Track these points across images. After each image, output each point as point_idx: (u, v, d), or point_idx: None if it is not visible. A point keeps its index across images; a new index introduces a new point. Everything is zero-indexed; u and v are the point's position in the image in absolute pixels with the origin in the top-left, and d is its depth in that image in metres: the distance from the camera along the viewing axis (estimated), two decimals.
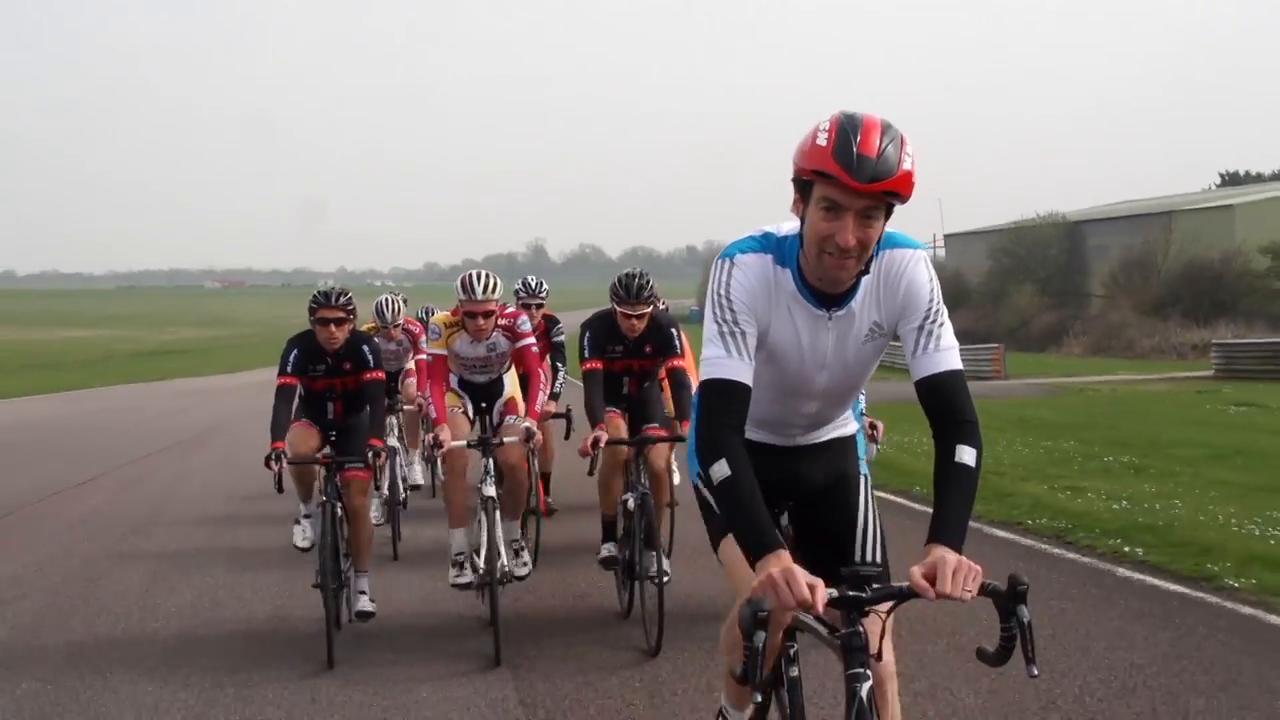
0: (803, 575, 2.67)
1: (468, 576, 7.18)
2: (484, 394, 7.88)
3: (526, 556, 7.36)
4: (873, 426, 7.26)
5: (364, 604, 7.03)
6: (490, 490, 6.88)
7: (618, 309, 7.20)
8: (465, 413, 7.69)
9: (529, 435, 7.12)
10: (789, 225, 3.11)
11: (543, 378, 7.64)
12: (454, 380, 7.69)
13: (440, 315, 7.58)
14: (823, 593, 2.66)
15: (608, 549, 7.30)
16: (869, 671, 2.76)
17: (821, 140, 2.85)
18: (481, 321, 7.16)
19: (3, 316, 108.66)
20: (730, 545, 3.17)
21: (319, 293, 7.10)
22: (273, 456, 6.64)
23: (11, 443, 21.14)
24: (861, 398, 7.22)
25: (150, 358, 57.25)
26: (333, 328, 6.93)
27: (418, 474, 11.40)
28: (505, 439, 7.10)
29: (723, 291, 3.07)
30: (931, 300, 3.09)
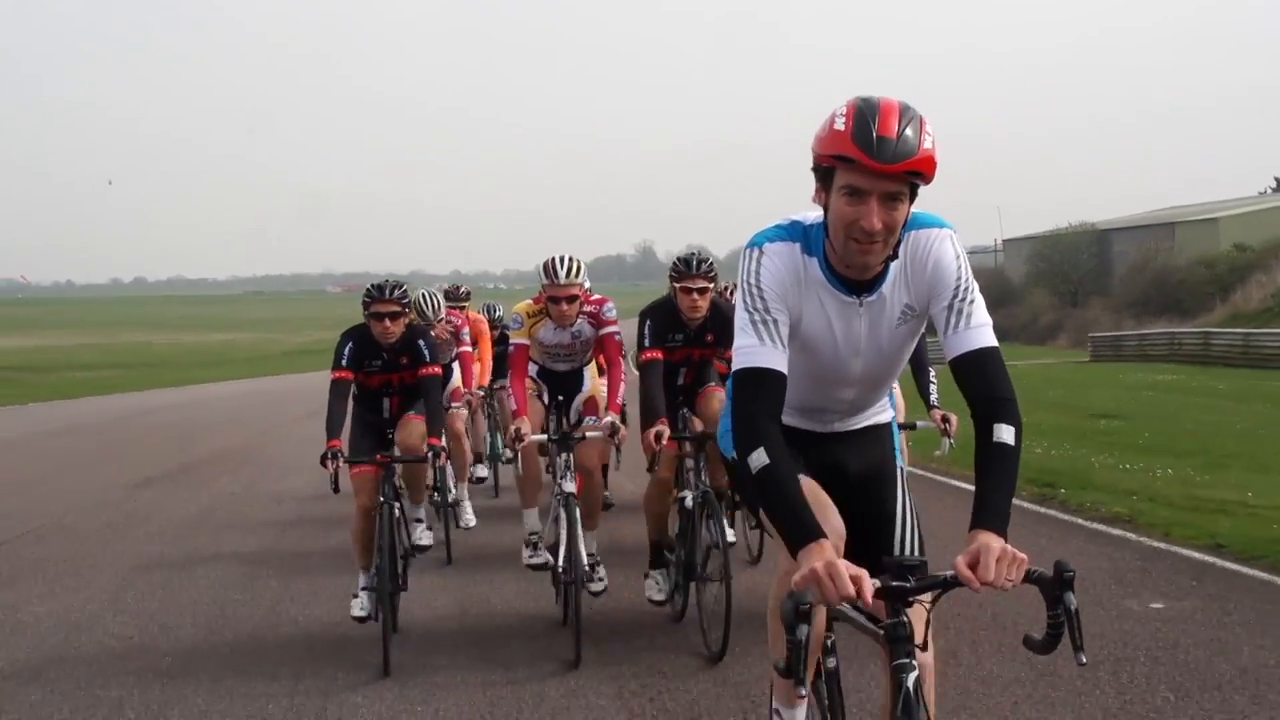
0: (847, 567, 2.58)
1: (542, 556, 7.00)
2: (564, 384, 7.69)
3: (603, 572, 7.00)
4: (945, 420, 6.98)
5: (422, 535, 7.13)
6: (570, 486, 6.60)
7: (677, 286, 6.81)
8: (540, 397, 7.49)
9: (614, 431, 6.73)
10: (815, 214, 3.05)
11: (625, 369, 7.25)
12: (533, 369, 7.46)
13: (522, 304, 7.33)
14: (869, 584, 2.58)
15: (656, 584, 6.90)
16: (915, 662, 2.70)
17: (839, 125, 2.79)
18: (565, 306, 6.93)
19: (149, 321, 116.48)
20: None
21: (373, 286, 6.81)
22: (329, 455, 6.37)
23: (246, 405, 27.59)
24: (933, 387, 7.05)
25: (298, 355, 60.10)
26: (387, 322, 6.68)
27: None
28: (588, 433, 6.84)
29: (752, 280, 3.02)
30: (960, 278, 3.01)
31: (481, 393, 10.86)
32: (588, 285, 7.20)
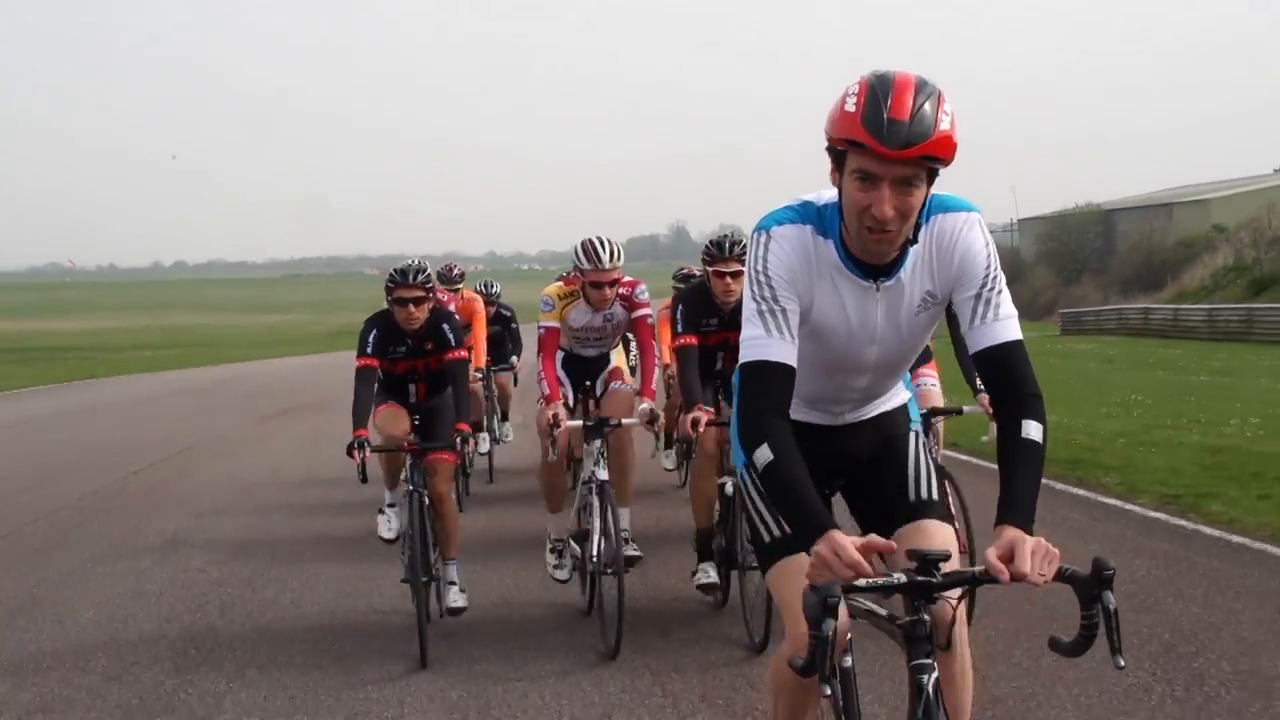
0: (847, 540, 2.52)
1: (565, 571, 6.80)
2: (591, 370, 7.50)
3: (635, 547, 6.90)
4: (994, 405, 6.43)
5: (454, 598, 6.55)
6: (603, 474, 6.39)
7: (710, 271, 6.65)
8: (565, 402, 7.10)
9: (652, 418, 6.60)
10: (829, 194, 2.90)
11: (657, 352, 7.08)
12: (559, 359, 7.22)
13: (553, 286, 7.13)
14: (878, 542, 2.55)
15: (705, 573, 6.58)
16: (935, 663, 2.60)
17: (850, 106, 2.66)
18: (607, 291, 6.76)
19: (196, 303, 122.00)
20: (782, 574, 3.06)
21: (395, 271, 6.61)
22: (355, 445, 6.21)
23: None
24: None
25: (341, 336, 58.38)
26: (411, 308, 6.51)
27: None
28: (624, 421, 6.63)
29: (760, 267, 2.87)
30: (989, 267, 2.86)
31: (479, 374, 10.67)
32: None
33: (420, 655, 5.93)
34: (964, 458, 11.14)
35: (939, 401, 6.86)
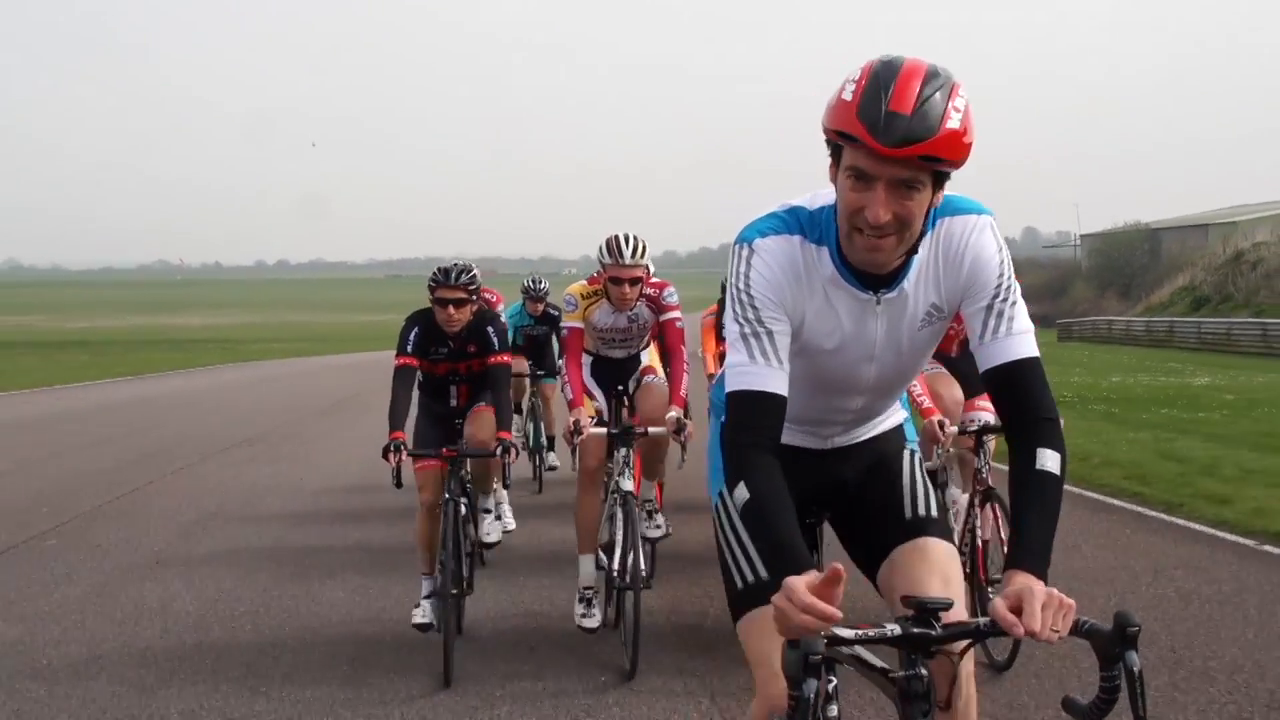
0: (802, 582, 2.14)
1: (595, 619, 6.37)
2: (620, 372, 7.19)
3: (660, 519, 6.73)
4: None
5: (491, 529, 6.57)
6: (628, 484, 6.16)
7: None
8: (599, 414, 6.89)
9: (680, 426, 6.28)
10: (825, 195, 2.58)
11: (686, 359, 6.75)
12: (587, 363, 7.00)
13: (576, 285, 6.86)
14: (831, 574, 2.12)
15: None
16: None
17: (848, 94, 2.34)
18: (628, 289, 6.49)
19: (303, 302, 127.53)
20: (753, 624, 2.77)
21: (438, 270, 6.39)
22: (391, 448, 5.99)
23: None
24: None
25: None
26: (451, 309, 6.29)
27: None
28: (651, 430, 6.37)
29: (742, 285, 2.56)
30: (1001, 275, 2.56)
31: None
32: (652, 269, 6.76)
33: (445, 673, 5.67)
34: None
35: (951, 378, 6.53)
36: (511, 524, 9.23)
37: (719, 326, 6.37)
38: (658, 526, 6.80)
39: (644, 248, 6.42)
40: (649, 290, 6.68)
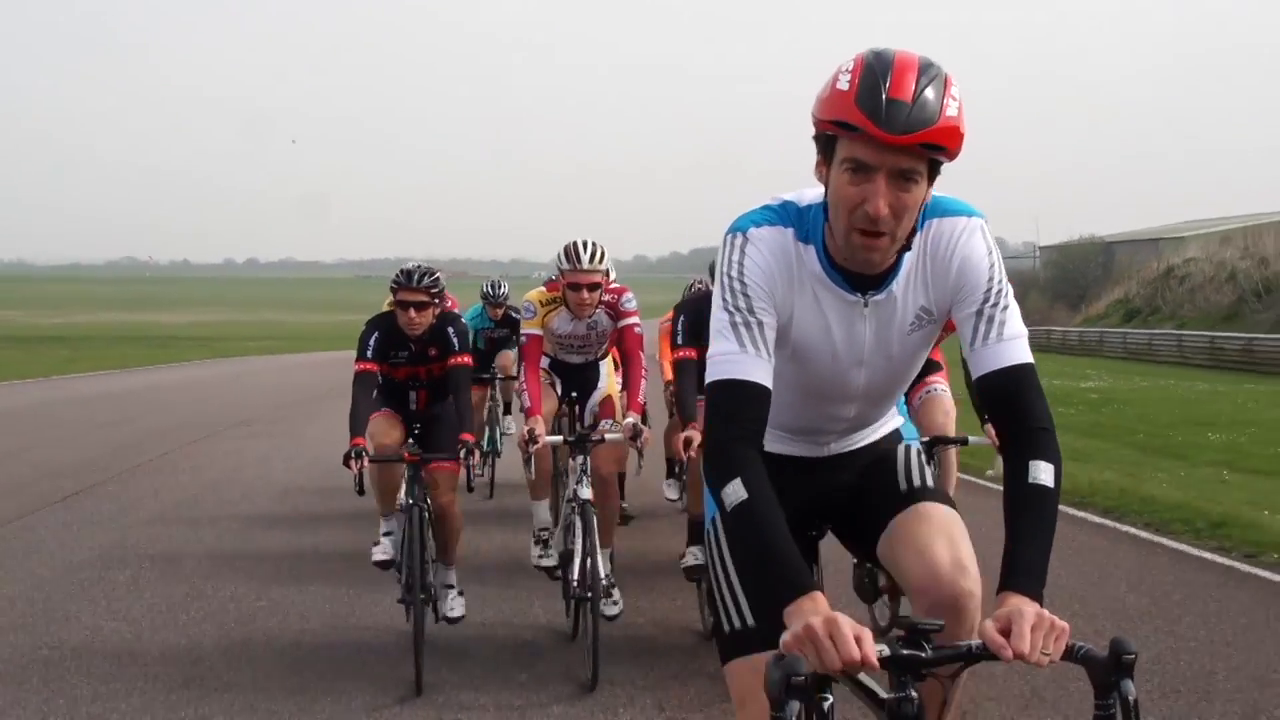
0: (849, 625, 2.08)
1: (552, 558, 6.50)
2: (577, 379, 7.12)
3: (618, 595, 6.33)
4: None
5: (453, 605, 6.31)
6: (586, 492, 6.05)
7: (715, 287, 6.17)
8: (553, 385, 6.96)
9: (636, 433, 6.20)
10: (811, 193, 2.56)
11: (644, 364, 6.70)
12: (544, 361, 6.90)
13: (535, 292, 6.76)
14: (872, 645, 2.09)
15: (694, 554, 6.29)
16: None
17: (843, 84, 2.31)
18: (586, 294, 6.42)
19: (274, 301, 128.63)
20: (743, 670, 2.61)
21: (401, 272, 6.29)
22: (353, 454, 5.89)
23: None
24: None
25: None
26: (412, 312, 6.18)
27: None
28: (608, 435, 6.30)
29: (734, 273, 2.52)
30: (992, 279, 2.51)
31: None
32: (613, 276, 6.70)
33: (415, 680, 5.60)
34: (964, 477, 10.31)
35: (949, 408, 6.41)
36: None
37: (674, 333, 6.40)
38: (615, 603, 6.29)
39: (603, 253, 6.40)
40: (607, 296, 6.63)
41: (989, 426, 5.88)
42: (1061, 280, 69.46)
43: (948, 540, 2.64)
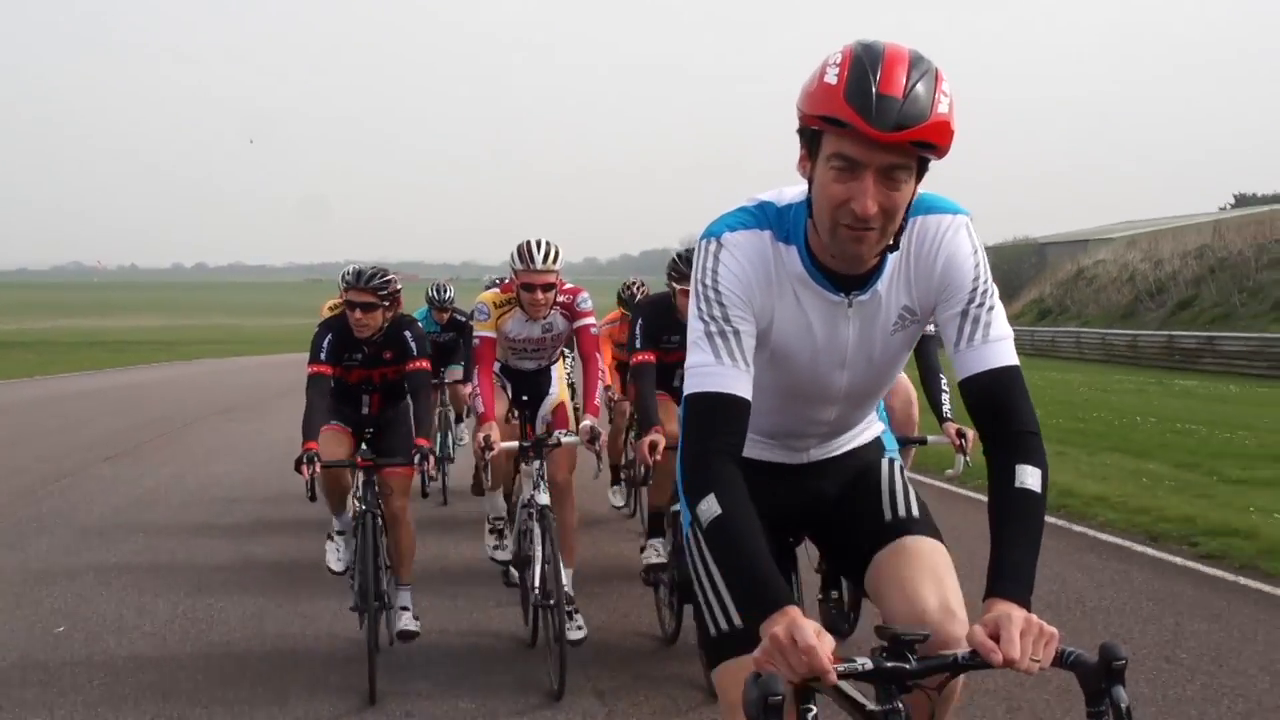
0: (810, 634, 2.05)
1: (506, 552, 6.49)
2: (529, 385, 7.04)
3: (580, 619, 6.15)
4: (960, 435, 5.97)
5: (407, 622, 6.10)
6: (544, 498, 5.96)
7: (676, 288, 6.22)
8: (504, 388, 6.89)
9: (594, 436, 6.06)
10: (792, 191, 2.50)
11: (601, 366, 6.65)
12: (495, 367, 6.71)
13: (489, 293, 6.64)
14: (826, 652, 2.04)
15: (655, 549, 6.33)
16: None
17: (831, 77, 2.22)
18: (540, 295, 6.28)
19: (224, 306, 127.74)
20: (732, 673, 2.54)
21: (350, 271, 6.17)
22: (304, 459, 5.71)
23: None
24: (946, 396, 6.19)
25: None
26: (359, 313, 6.02)
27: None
28: (564, 440, 6.16)
29: (709, 282, 2.44)
30: (978, 279, 2.47)
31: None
32: (560, 274, 6.55)
33: (370, 689, 5.49)
34: (922, 479, 10.16)
35: (912, 396, 6.45)
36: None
37: (632, 336, 6.36)
38: (579, 627, 6.10)
39: (556, 253, 6.27)
40: (562, 297, 6.52)
41: (948, 426, 6.02)
42: (995, 281, 72.22)
43: (935, 582, 2.58)
